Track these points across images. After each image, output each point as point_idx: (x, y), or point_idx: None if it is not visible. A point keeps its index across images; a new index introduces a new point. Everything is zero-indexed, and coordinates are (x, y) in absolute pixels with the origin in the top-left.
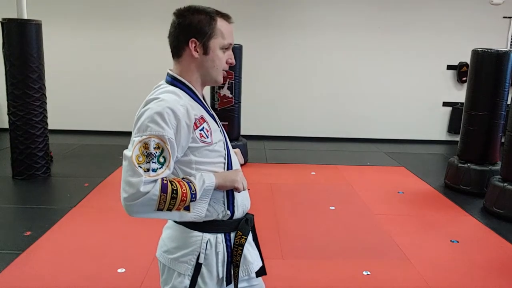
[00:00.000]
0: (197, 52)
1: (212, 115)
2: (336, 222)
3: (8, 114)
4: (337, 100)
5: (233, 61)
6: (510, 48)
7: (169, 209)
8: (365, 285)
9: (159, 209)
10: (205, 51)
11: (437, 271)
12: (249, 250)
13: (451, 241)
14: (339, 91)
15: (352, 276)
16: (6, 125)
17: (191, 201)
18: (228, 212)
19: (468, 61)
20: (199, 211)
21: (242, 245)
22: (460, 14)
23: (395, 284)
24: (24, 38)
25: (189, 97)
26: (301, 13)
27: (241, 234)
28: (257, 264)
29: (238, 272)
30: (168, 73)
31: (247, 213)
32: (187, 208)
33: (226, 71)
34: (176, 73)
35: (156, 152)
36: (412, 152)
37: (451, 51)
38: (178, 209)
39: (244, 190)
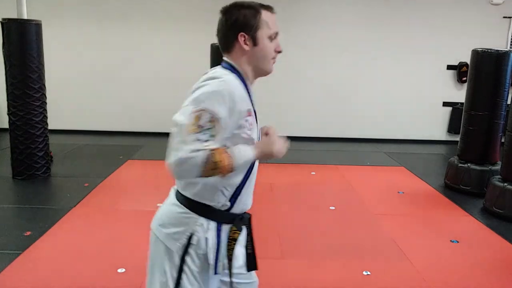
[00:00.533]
0: (247, 44)
1: (255, 111)
2: (336, 222)
3: (8, 114)
4: (337, 100)
5: (280, 48)
6: (510, 48)
7: (210, 175)
8: (365, 285)
9: (200, 175)
10: (255, 42)
11: (437, 271)
12: (237, 246)
13: (451, 241)
14: (339, 91)
15: (352, 276)
16: (6, 125)
17: (228, 172)
18: (228, 204)
19: (468, 61)
20: (235, 179)
21: (235, 240)
22: (460, 14)
23: (395, 284)
24: (24, 38)
25: (243, 87)
26: (301, 12)
27: (235, 229)
28: (238, 261)
29: (231, 265)
30: (224, 60)
31: (245, 212)
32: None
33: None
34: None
35: (207, 125)
36: (412, 152)
37: (451, 51)
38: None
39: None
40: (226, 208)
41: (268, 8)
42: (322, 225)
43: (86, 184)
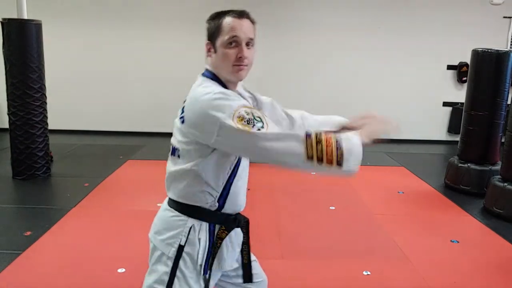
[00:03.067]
0: (210, 52)
1: None
2: (336, 222)
3: (8, 114)
4: (337, 100)
5: (242, 54)
6: (510, 48)
7: (319, 159)
8: (365, 285)
9: (309, 157)
10: (215, 50)
11: (437, 271)
12: (229, 248)
13: (451, 241)
14: (339, 91)
15: (352, 276)
16: (6, 125)
17: (337, 148)
18: (216, 204)
19: (468, 61)
20: (350, 166)
21: (222, 239)
22: (460, 14)
23: (395, 284)
24: (24, 38)
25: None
26: (301, 13)
27: (223, 228)
28: (229, 264)
29: (212, 263)
30: (206, 68)
31: (238, 213)
32: (340, 164)
33: (238, 65)
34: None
35: (250, 116)
36: (412, 152)
37: (451, 51)
38: (329, 162)
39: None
40: (215, 208)
41: (234, 13)
42: (322, 225)
43: (86, 184)
